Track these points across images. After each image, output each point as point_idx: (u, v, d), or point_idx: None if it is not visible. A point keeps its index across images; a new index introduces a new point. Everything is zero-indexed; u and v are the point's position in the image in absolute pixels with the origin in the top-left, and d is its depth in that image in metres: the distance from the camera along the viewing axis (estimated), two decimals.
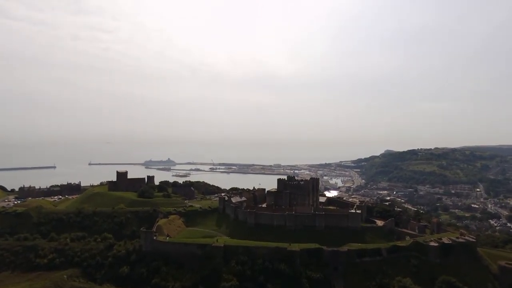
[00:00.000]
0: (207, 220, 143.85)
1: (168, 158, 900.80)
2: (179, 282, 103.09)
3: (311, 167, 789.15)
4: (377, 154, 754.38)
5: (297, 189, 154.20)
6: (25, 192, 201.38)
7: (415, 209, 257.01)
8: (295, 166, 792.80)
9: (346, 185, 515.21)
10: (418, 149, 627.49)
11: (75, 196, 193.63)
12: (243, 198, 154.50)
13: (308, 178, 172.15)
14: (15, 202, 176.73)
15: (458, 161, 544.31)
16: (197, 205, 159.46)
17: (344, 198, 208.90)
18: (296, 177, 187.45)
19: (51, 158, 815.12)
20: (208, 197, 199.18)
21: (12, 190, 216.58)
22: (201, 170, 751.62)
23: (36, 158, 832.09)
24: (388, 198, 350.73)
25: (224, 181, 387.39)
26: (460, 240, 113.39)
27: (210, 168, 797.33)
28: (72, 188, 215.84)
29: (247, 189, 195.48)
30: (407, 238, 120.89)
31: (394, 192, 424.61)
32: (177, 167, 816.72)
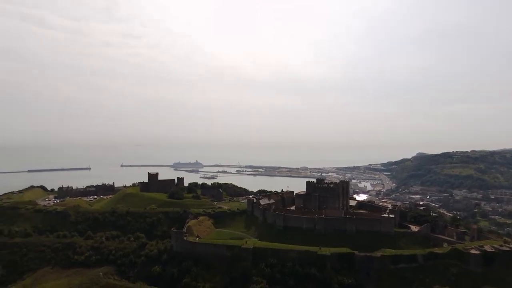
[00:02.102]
0: (235, 222, 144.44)
1: (196, 160, 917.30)
2: (209, 283, 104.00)
3: (338, 169, 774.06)
4: (409, 157, 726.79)
5: (326, 192, 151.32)
6: (63, 192, 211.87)
7: (451, 214, 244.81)
8: (322, 169, 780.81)
9: (376, 189, 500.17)
10: (453, 151, 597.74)
11: (109, 196, 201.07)
12: (272, 201, 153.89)
13: (336, 181, 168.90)
14: (55, 201, 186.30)
15: (497, 164, 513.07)
16: (225, 207, 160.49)
17: (375, 202, 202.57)
18: (324, 180, 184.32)
19: (86, 160, 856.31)
20: (236, 199, 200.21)
21: (52, 190, 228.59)
22: (228, 172, 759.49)
23: (72, 160, 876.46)
24: (421, 202, 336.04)
25: (251, 184, 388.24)
26: (504, 248, 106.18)
27: (236, 171, 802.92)
28: (106, 189, 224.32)
29: (275, 191, 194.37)
30: (445, 245, 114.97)
31: (428, 197, 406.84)
32: (204, 169, 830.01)
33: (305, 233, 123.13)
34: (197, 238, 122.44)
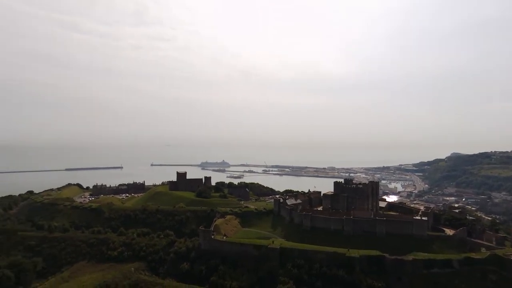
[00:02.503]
0: (262, 221, 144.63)
1: (223, 160, 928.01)
2: (236, 282, 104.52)
3: (367, 170, 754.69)
4: (442, 157, 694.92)
5: (355, 192, 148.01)
6: (97, 190, 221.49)
7: (490, 218, 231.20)
8: (350, 169, 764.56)
9: (407, 190, 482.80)
10: (491, 152, 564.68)
11: (140, 194, 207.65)
12: (298, 201, 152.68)
13: (365, 182, 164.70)
14: (90, 199, 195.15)
15: None
16: (252, 206, 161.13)
17: (406, 204, 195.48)
18: (353, 180, 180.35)
19: (118, 159, 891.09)
20: (262, 198, 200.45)
21: (87, 188, 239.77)
22: (254, 172, 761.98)
23: (105, 159, 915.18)
24: (457, 205, 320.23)
25: (277, 183, 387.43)
26: None
27: (263, 170, 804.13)
28: (137, 187, 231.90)
29: (302, 191, 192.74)
30: (483, 250, 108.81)
31: (463, 199, 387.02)
32: (231, 168, 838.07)
33: (333, 235, 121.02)
34: (224, 237, 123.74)
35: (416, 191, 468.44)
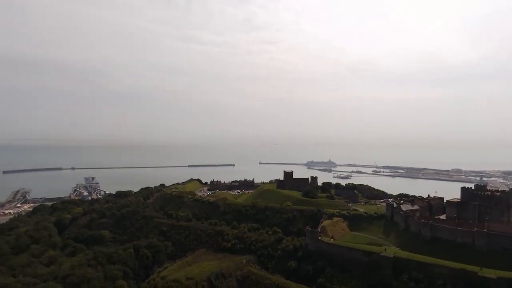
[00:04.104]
0: (372, 226, 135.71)
1: (329, 159, 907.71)
2: (344, 286, 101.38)
3: (506, 174, 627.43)
4: None
5: (490, 201, 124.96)
6: (214, 185, 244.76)
7: None
8: (482, 172, 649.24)
9: None
10: None
11: (250, 191, 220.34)
12: (416, 207, 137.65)
13: (504, 188, 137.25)
14: (208, 193, 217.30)
15: None
16: (361, 209, 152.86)
17: None
18: (486, 186, 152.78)
19: (231, 158, 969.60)
20: (372, 201, 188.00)
21: (205, 183, 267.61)
22: (363, 173, 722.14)
23: (220, 157, 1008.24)
24: None
25: (389, 186, 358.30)
26: None
27: (372, 171, 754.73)
28: (247, 184, 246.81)
29: (419, 196, 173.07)
30: None
31: None
32: (338, 168, 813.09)
33: (459, 249, 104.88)
34: (332, 239, 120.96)
35: None
